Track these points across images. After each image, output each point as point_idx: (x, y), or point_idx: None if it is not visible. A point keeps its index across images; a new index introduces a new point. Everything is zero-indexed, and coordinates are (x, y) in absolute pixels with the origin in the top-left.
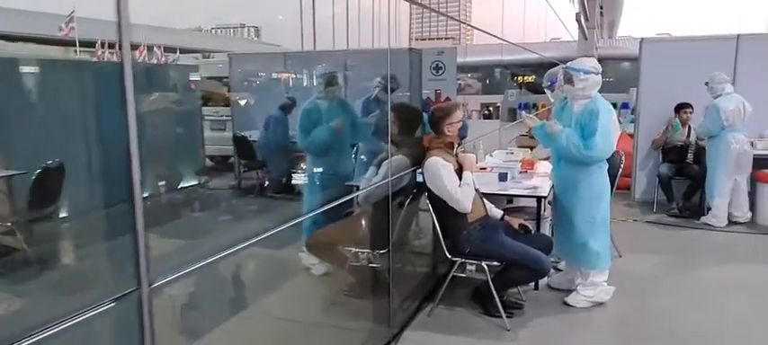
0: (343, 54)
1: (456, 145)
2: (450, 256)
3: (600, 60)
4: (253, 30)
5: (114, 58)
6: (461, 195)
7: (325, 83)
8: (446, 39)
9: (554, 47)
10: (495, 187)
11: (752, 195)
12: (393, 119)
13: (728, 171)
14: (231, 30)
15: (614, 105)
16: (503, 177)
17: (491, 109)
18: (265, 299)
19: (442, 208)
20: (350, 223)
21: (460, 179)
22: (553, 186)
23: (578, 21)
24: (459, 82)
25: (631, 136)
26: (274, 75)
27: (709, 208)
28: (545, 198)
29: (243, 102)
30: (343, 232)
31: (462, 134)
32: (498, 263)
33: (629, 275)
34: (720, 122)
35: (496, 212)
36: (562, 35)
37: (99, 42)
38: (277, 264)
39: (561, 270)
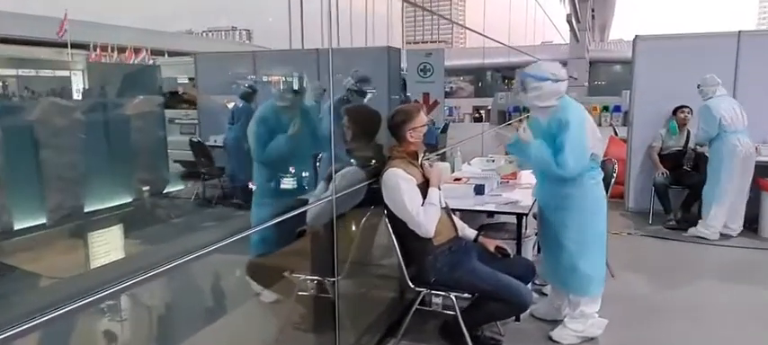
0: (315, 53)
1: (421, 155)
2: (413, 286)
3: (592, 63)
4: (244, 33)
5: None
6: (424, 217)
7: (289, 88)
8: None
9: (545, 50)
10: (470, 201)
11: (750, 206)
12: (347, 125)
13: (732, 176)
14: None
15: (606, 108)
16: (479, 189)
17: (482, 112)
18: (200, 335)
19: (403, 230)
20: (297, 245)
21: (425, 196)
22: (536, 200)
23: (569, 22)
24: (451, 85)
25: (625, 141)
26: (245, 76)
27: (701, 218)
28: (526, 215)
29: (228, 103)
30: (290, 255)
31: (429, 141)
32: (469, 295)
33: (625, 301)
34: (716, 122)
35: (469, 232)
36: (554, 38)
37: (91, 45)
38: (221, 290)
39: (547, 295)
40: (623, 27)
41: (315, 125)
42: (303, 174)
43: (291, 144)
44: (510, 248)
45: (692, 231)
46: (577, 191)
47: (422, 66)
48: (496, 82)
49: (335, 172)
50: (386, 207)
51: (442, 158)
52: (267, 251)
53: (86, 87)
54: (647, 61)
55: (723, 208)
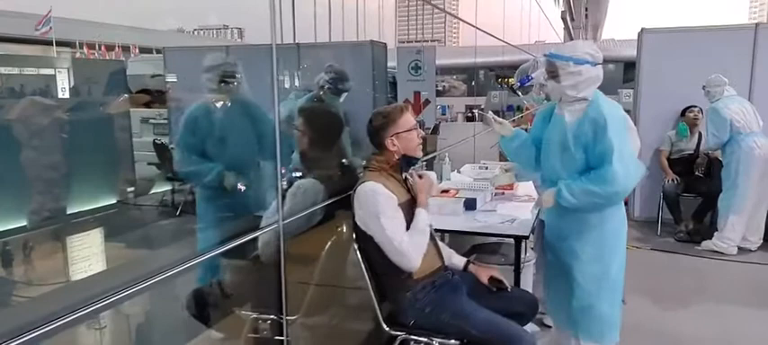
0: (294, 48)
1: (403, 170)
2: (387, 328)
3: None
4: (236, 31)
5: None
6: (409, 246)
7: (219, 78)
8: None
9: (539, 49)
10: (459, 220)
11: None
12: (301, 129)
13: (751, 182)
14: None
15: None
16: (470, 204)
17: (475, 111)
18: None
19: (376, 258)
20: (247, 276)
21: (410, 219)
22: (539, 217)
23: (564, 19)
24: (443, 83)
25: None
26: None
27: (717, 230)
28: (526, 237)
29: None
30: (238, 288)
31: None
32: (457, 342)
33: (640, 333)
34: (727, 124)
35: (458, 260)
36: (547, 38)
37: (78, 42)
38: (168, 328)
39: (549, 326)
40: (615, 27)
41: (265, 127)
42: (256, 186)
43: (222, 176)
44: (506, 278)
45: (706, 244)
46: (596, 217)
47: (412, 64)
48: (490, 81)
49: (286, 190)
50: (356, 227)
51: (429, 165)
52: (213, 280)
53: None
54: (654, 57)
55: (742, 219)
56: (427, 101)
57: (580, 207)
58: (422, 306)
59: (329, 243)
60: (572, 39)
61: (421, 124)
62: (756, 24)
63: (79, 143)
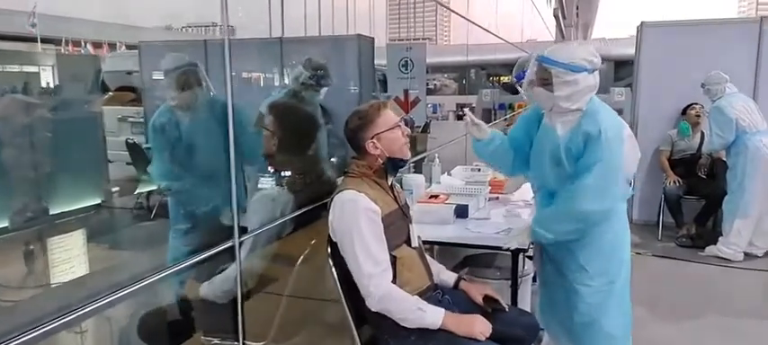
0: (277, 42)
1: (390, 175)
2: None
3: None
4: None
5: None
6: (379, 291)
7: (179, 83)
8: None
9: (531, 47)
10: (449, 230)
11: None
12: (272, 127)
13: (759, 185)
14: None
15: None
16: (461, 211)
17: (466, 109)
18: None
19: (352, 279)
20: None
21: (399, 234)
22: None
23: (556, 16)
24: (435, 82)
25: None
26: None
27: (721, 234)
28: (524, 251)
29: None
30: (197, 309)
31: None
32: None
33: None
34: (732, 124)
35: (447, 277)
36: (538, 36)
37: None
38: None
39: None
40: (606, 26)
41: (237, 126)
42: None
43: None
44: (503, 294)
45: (710, 249)
46: (597, 227)
47: (402, 61)
48: (481, 79)
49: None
50: (330, 240)
51: (417, 167)
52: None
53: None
54: (654, 52)
55: (748, 223)
56: (417, 99)
57: (561, 237)
58: (407, 335)
59: (301, 259)
60: (563, 38)
61: (410, 122)
62: (762, 18)
63: (61, 142)
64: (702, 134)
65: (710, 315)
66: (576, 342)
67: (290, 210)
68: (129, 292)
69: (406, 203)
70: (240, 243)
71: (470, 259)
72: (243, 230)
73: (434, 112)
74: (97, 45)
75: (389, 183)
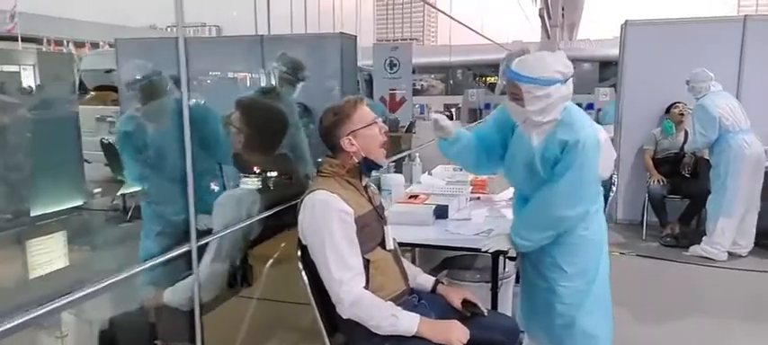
0: (256, 40)
1: (364, 176)
2: None
3: None
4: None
5: None
6: (350, 296)
7: (143, 93)
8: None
9: (515, 48)
10: (429, 231)
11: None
12: (238, 124)
13: (741, 184)
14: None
15: (579, 106)
16: (441, 212)
17: (452, 110)
18: None
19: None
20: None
21: (374, 236)
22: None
23: (542, 17)
24: (422, 82)
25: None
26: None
27: (705, 234)
28: (505, 253)
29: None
30: (159, 318)
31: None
32: None
33: None
34: (715, 122)
35: (424, 280)
36: (524, 36)
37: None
38: None
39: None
40: (591, 26)
41: (208, 126)
42: (200, 194)
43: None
44: (483, 297)
45: (694, 249)
46: (581, 224)
47: (388, 61)
48: (467, 79)
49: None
50: (300, 242)
51: (398, 166)
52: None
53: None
54: (638, 51)
55: (732, 223)
56: (403, 99)
57: (538, 245)
58: (380, 341)
59: (271, 263)
60: (549, 38)
61: (394, 122)
62: (745, 16)
63: (37, 142)
64: (686, 133)
65: (694, 317)
66: (555, 342)
67: (257, 211)
68: (76, 298)
69: (380, 204)
70: (199, 248)
71: (450, 261)
72: (209, 232)
73: (421, 113)
74: (79, 44)
75: (364, 184)
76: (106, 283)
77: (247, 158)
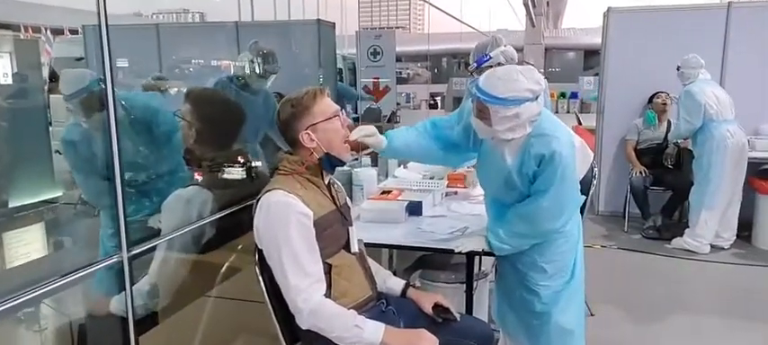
0: (232, 27)
1: (326, 173)
2: None
3: (547, 50)
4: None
5: None
6: (308, 305)
7: (85, 106)
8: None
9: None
10: (400, 230)
11: (741, 211)
12: (190, 117)
13: (724, 175)
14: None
15: (563, 95)
16: (415, 209)
17: (437, 99)
18: None
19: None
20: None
21: (339, 239)
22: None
23: (526, 5)
24: (408, 71)
25: (592, 132)
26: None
27: (687, 226)
28: (479, 253)
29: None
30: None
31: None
32: None
33: None
34: (700, 109)
35: (394, 283)
36: (509, 25)
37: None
38: None
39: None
40: (576, 14)
41: (161, 126)
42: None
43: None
44: (458, 299)
45: (676, 242)
46: (560, 223)
47: (371, 49)
48: (453, 68)
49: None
50: (256, 246)
51: (374, 160)
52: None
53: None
54: (621, 39)
55: (715, 215)
56: (387, 88)
57: (515, 249)
58: None
59: (226, 267)
60: (533, 27)
61: (372, 111)
62: (729, 3)
63: (14, 133)
64: (669, 123)
65: (676, 312)
66: (532, 339)
67: (209, 212)
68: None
69: (346, 203)
70: (130, 258)
71: (424, 260)
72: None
73: (408, 102)
74: (57, 31)
75: (327, 182)
76: (51, 287)
77: (200, 154)
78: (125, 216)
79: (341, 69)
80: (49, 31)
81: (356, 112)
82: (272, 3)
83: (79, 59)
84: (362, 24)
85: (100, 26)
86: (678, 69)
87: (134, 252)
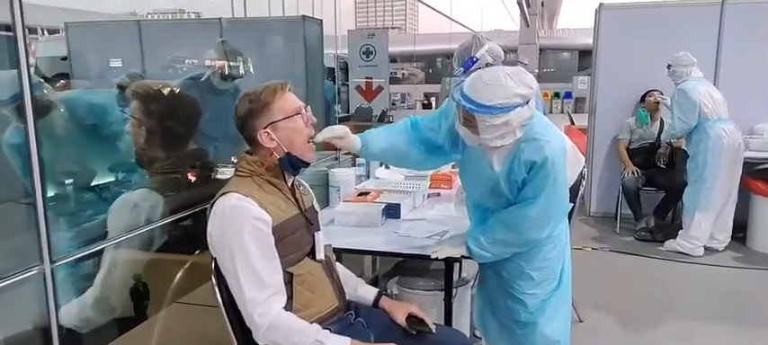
0: (215, 23)
1: (289, 175)
2: None
3: (541, 50)
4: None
5: None
6: (264, 311)
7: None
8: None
9: (495, 37)
10: (375, 235)
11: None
12: (139, 115)
13: (720, 175)
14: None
15: (557, 95)
16: (393, 211)
17: (431, 99)
18: None
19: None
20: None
21: (304, 245)
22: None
23: (520, 5)
24: (403, 71)
25: (584, 131)
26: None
27: (681, 227)
28: (458, 261)
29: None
30: None
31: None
32: None
33: None
34: (695, 108)
35: (366, 292)
36: (504, 25)
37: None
38: None
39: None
40: (571, 14)
41: (105, 124)
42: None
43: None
44: (436, 307)
45: (669, 244)
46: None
47: (364, 48)
48: (447, 68)
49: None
50: (213, 259)
51: (354, 160)
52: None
53: None
54: (613, 36)
55: (709, 216)
56: (380, 88)
57: (496, 257)
58: None
59: (178, 277)
60: (528, 26)
61: (364, 110)
62: (723, 0)
63: None
64: (662, 122)
65: (669, 317)
66: None
67: (159, 216)
68: None
69: (312, 207)
70: (53, 270)
71: (403, 266)
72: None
73: (403, 101)
74: (52, 31)
75: (290, 183)
76: None
77: (151, 155)
78: (46, 223)
79: (333, 68)
80: (45, 32)
81: (348, 112)
82: (267, 2)
83: (64, 58)
84: (359, 25)
85: (15, 26)
86: (669, 67)
87: (57, 265)
